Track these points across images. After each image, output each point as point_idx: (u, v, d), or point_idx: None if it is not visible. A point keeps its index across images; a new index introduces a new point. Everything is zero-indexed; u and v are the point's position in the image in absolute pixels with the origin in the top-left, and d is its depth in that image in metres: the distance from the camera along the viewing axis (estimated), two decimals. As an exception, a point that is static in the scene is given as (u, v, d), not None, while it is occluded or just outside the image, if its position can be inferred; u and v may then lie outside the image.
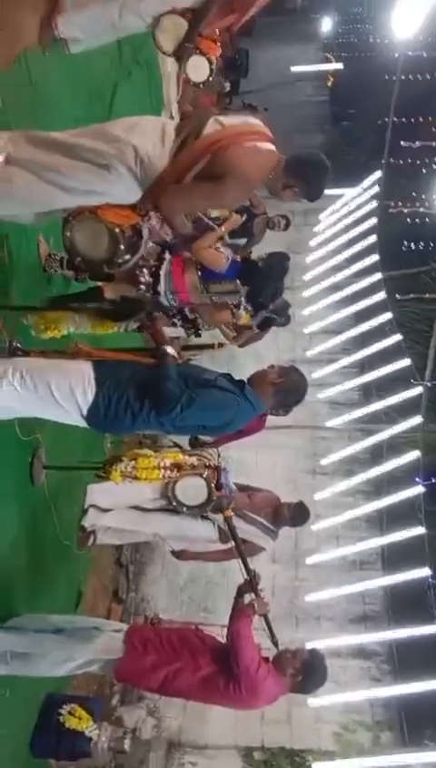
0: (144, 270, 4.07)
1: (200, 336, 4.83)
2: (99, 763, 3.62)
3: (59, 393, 2.56)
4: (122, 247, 2.83)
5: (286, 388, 2.97)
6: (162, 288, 4.06)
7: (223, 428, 2.86)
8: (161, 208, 2.69)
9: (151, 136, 2.59)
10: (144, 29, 3.77)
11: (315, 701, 5.21)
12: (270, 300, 4.87)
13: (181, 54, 3.81)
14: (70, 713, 3.59)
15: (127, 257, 2.91)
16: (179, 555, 4.38)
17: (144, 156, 2.55)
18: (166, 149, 2.58)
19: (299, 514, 4.33)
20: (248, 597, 3.64)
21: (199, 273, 3.80)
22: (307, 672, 3.48)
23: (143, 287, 4.11)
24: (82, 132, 2.70)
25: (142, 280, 4.08)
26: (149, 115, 2.95)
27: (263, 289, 4.83)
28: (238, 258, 4.19)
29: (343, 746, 5.47)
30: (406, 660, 5.97)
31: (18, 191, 2.60)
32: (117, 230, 2.78)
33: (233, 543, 3.73)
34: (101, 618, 4.49)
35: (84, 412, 2.59)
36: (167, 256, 4.05)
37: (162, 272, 4.09)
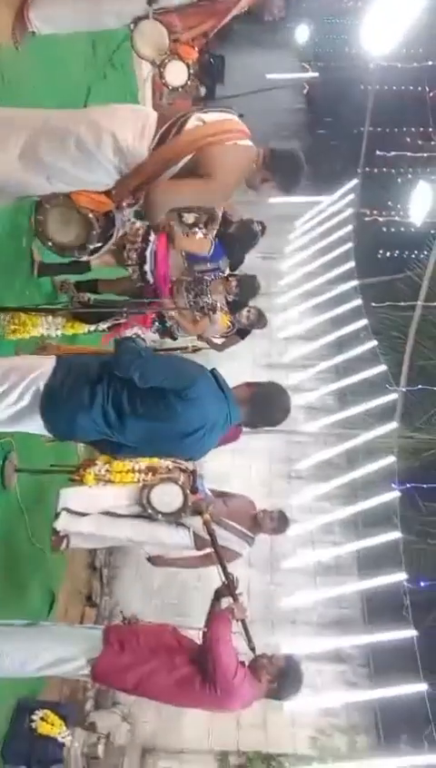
0: (132, 252, 4.19)
1: (175, 339, 4.86)
2: (72, 769, 3.57)
3: (16, 376, 2.45)
4: (94, 233, 2.82)
5: (261, 401, 2.76)
6: (148, 267, 4.19)
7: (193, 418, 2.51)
8: (149, 202, 2.68)
9: (131, 127, 2.60)
10: (122, 29, 3.78)
11: (291, 705, 5.18)
12: (235, 266, 5.12)
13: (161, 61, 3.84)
14: (42, 718, 3.55)
15: (99, 244, 2.90)
16: (154, 561, 4.37)
17: (124, 146, 2.56)
18: (145, 141, 2.59)
19: (280, 524, 4.35)
20: (226, 601, 3.64)
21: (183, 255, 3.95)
22: (282, 678, 3.48)
23: (130, 268, 4.22)
24: (62, 116, 2.70)
25: (129, 261, 4.19)
26: (131, 104, 2.95)
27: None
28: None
29: (320, 750, 5.46)
30: (382, 664, 5.98)
31: None
32: (90, 215, 2.76)
33: (212, 547, 3.71)
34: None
35: (41, 390, 2.43)
36: (152, 236, 4.14)
37: (147, 253, 4.21)
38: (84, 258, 2.98)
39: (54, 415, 2.47)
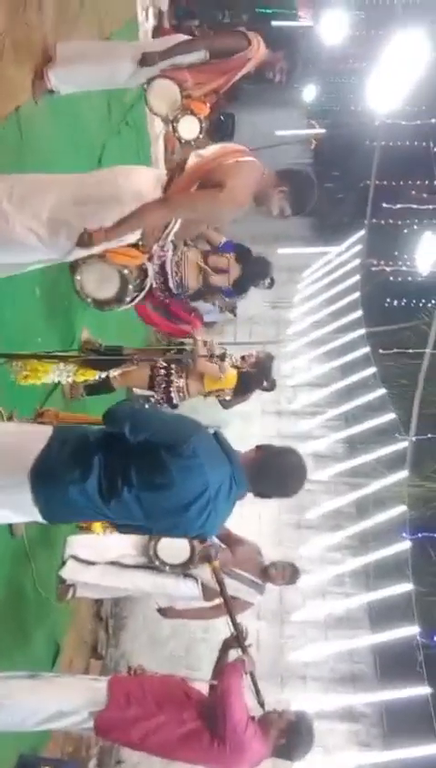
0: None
1: (176, 408, 4.92)
2: None
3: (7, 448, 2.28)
4: (130, 286, 2.92)
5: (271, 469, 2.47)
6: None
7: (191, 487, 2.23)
8: (168, 202, 2.71)
9: (147, 181, 2.73)
10: (136, 88, 3.96)
11: (301, 766, 5.00)
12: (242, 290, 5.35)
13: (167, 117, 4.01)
14: (44, 776, 3.43)
15: (136, 294, 3.00)
16: (165, 612, 4.30)
17: (144, 198, 2.68)
18: (159, 191, 2.73)
19: (291, 578, 4.31)
20: (234, 653, 3.56)
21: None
22: (293, 735, 3.34)
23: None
24: (83, 180, 2.83)
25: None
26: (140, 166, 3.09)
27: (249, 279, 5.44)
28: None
29: None
30: (396, 723, 5.77)
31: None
32: (126, 271, 2.86)
33: (221, 596, 3.65)
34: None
35: (31, 463, 2.22)
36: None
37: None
38: (122, 307, 3.05)
39: (46, 490, 2.22)
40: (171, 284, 5.29)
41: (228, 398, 5.07)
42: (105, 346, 4.27)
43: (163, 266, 5.17)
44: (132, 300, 3.00)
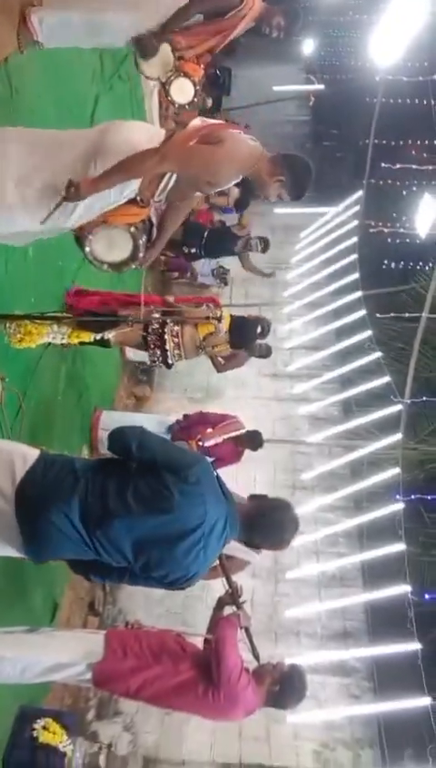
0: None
1: (170, 368, 4.92)
2: (73, 779, 3.54)
3: None
4: (141, 242, 2.88)
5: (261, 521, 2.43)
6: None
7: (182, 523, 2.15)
8: (163, 150, 2.59)
9: (139, 137, 2.65)
10: (122, 46, 3.81)
11: (294, 717, 5.16)
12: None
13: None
14: (44, 727, 3.51)
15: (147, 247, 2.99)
16: None
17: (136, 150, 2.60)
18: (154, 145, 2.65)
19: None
20: (229, 610, 3.62)
21: None
22: (286, 683, 3.45)
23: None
24: (75, 138, 2.73)
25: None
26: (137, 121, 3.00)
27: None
28: None
29: (323, 764, 5.41)
30: (386, 677, 5.93)
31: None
32: (132, 229, 2.83)
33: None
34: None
35: (17, 481, 2.11)
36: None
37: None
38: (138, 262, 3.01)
39: (28, 511, 2.08)
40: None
41: (222, 352, 5.08)
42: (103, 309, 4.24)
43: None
44: (145, 256, 2.98)
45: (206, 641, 3.55)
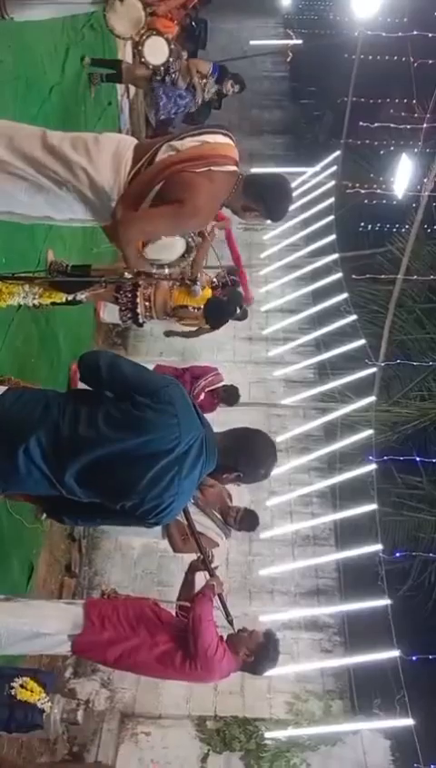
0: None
1: (142, 326, 4.86)
2: (52, 734, 3.61)
3: None
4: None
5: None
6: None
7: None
8: (118, 238, 2.62)
9: (107, 164, 2.56)
10: (91, 7, 3.63)
11: (268, 672, 5.30)
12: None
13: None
14: (22, 685, 3.55)
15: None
16: None
17: (99, 185, 2.55)
18: (121, 177, 2.57)
19: (246, 522, 4.38)
20: (199, 575, 3.68)
21: None
22: (260, 654, 3.57)
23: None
24: (46, 150, 2.59)
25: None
26: (109, 133, 2.83)
27: None
28: None
29: (295, 715, 5.59)
30: (357, 632, 6.11)
31: None
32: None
33: (187, 524, 3.71)
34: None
35: None
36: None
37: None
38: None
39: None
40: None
41: (192, 322, 5.04)
42: (72, 266, 4.16)
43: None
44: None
45: (181, 608, 3.63)
